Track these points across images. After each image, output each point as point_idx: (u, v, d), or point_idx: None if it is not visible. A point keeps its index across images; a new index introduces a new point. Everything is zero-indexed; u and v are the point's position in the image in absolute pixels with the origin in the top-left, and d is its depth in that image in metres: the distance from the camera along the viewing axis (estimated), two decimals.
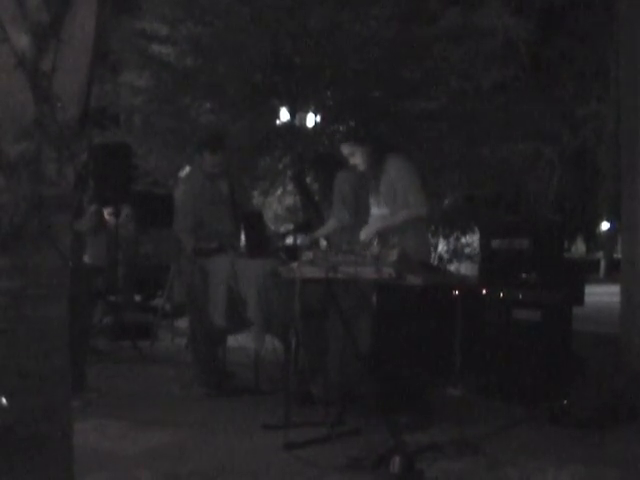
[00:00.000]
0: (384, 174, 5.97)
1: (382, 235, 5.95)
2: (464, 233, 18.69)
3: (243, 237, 6.97)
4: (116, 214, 8.54)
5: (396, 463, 4.33)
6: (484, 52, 10.93)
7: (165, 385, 7.01)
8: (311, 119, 11.41)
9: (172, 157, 11.52)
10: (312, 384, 6.00)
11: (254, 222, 6.60)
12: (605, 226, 36.63)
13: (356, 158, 6.06)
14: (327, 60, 10.15)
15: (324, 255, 5.31)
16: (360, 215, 6.39)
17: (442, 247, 18.88)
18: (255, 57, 9.99)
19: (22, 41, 2.53)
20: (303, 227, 6.15)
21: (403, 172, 5.93)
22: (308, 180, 11.10)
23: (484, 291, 6.85)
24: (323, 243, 7.48)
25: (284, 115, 11.23)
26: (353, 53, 10.27)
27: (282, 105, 11.18)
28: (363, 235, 5.92)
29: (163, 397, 6.56)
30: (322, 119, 11.33)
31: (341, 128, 11.37)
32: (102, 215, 7.03)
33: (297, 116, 11.18)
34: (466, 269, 18.46)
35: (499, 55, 11.32)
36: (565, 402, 5.82)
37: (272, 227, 18.55)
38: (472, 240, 18.61)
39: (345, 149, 6.12)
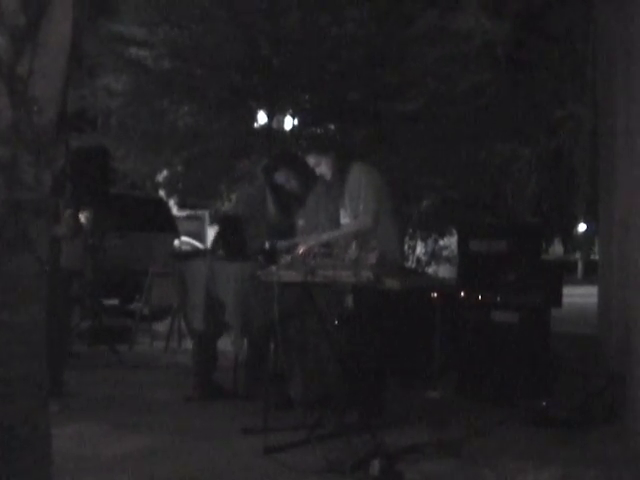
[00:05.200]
0: (347, 182, 5.94)
1: (360, 238, 5.91)
2: (442, 235, 18.68)
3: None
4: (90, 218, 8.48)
5: (375, 466, 4.34)
6: (461, 54, 10.96)
7: (144, 389, 6.98)
8: (289, 122, 11.41)
9: (150, 160, 11.49)
10: (290, 387, 5.99)
11: (232, 226, 6.58)
12: (582, 227, 36.84)
13: (322, 168, 6.04)
14: (304, 62, 10.14)
15: (302, 259, 5.29)
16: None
17: (420, 249, 18.87)
18: (232, 59, 9.97)
19: None
20: (268, 254, 6.03)
21: (360, 180, 5.85)
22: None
23: (462, 294, 6.87)
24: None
25: (262, 118, 11.22)
26: (330, 55, 10.27)
27: (260, 108, 11.17)
28: (302, 248, 5.67)
29: (142, 401, 6.53)
30: (300, 122, 11.33)
31: (319, 131, 11.38)
32: (78, 219, 6.98)
33: (275, 119, 11.17)
34: (444, 271, 18.49)
35: (476, 57, 11.34)
36: (544, 403, 5.86)
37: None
38: (450, 242, 18.63)
39: (311, 160, 6.10)
